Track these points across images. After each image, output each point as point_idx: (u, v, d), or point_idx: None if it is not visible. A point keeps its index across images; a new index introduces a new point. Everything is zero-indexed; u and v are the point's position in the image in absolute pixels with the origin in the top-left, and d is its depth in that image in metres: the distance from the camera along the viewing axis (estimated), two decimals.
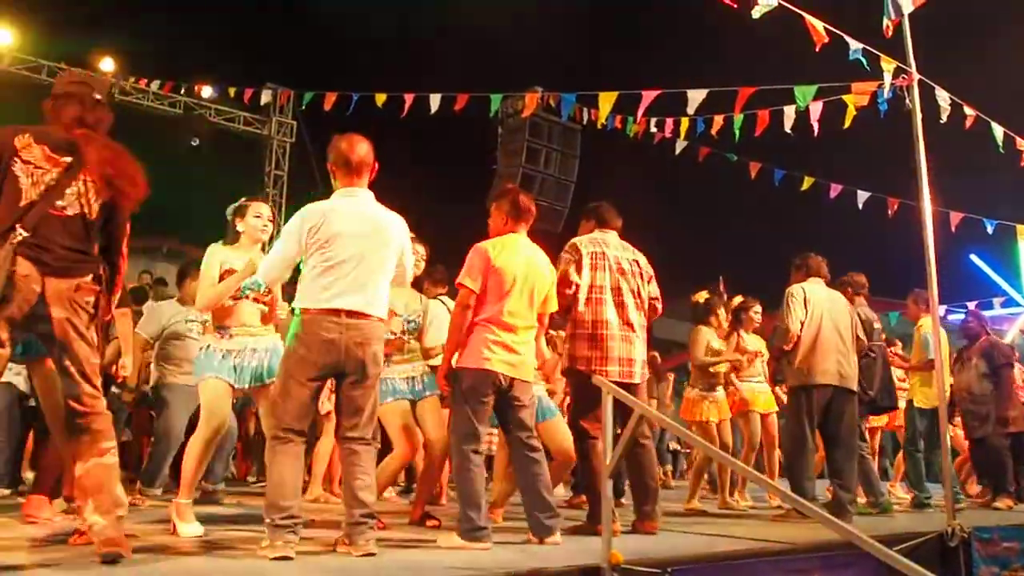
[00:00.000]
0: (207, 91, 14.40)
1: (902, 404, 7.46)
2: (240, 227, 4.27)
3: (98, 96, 3.19)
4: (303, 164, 15.80)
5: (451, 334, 3.98)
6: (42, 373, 3.96)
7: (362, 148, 3.62)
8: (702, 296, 7.32)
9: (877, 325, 6.55)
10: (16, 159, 2.91)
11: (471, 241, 4.14)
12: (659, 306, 4.81)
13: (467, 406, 3.88)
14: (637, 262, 4.75)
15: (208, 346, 4.12)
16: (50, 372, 3.59)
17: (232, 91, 11.10)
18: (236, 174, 15.83)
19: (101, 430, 2.97)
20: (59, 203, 2.94)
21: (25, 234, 2.84)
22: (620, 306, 4.58)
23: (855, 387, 5.71)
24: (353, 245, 3.45)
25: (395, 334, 4.72)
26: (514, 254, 4.05)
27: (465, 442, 3.86)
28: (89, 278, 2.99)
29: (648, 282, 4.76)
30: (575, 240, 4.71)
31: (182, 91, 14.07)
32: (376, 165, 3.68)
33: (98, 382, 3.04)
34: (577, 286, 4.51)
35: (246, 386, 4.08)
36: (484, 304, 3.95)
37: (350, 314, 3.39)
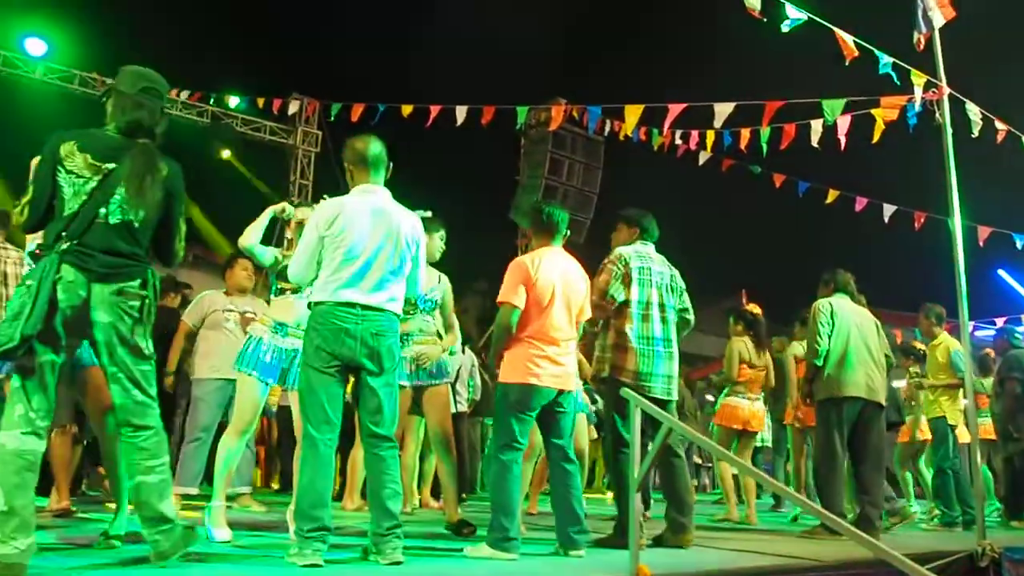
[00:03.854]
0: (234, 100, 14.55)
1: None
2: (288, 234, 4.44)
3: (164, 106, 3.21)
4: (328, 174, 15.91)
5: (496, 351, 4.09)
6: (87, 383, 3.77)
7: (377, 145, 3.66)
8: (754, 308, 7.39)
9: None
10: (60, 168, 2.91)
11: (493, 251, 4.20)
12: (690, 318, 4.82)
13: (513, 418, 3.93)
14: (674, 277, 4.76)
15: (260, 339, 4.19)
16: (94, 381, 3.59)
17: (261, 101, 11.21)
18: (261, 183, 16.00)
19: (148, 448, 2.94)
20: (102, 211, 2.93)
21: (69, 243, 2.85)
22: (663, 322, 4.60)
23: (883, 401, 5.66)
24: (368, 240, 3.46)
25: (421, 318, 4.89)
26: (551, 267, 4.09)
27: (505, 452, 3.90)
28: (136, 283, 2.97)
29: (680, 296, 4.78)
30: (622, 252, 4.63)
31: (211, 100, 14.21)
32: (391, 164, 3.72)
33: (152, 390, 3.02)
34: (613, 301, 4.49)
35: (292, 387, 4.12)
36: (527, 319, 4.00)
37: (365, 307, 3.42)
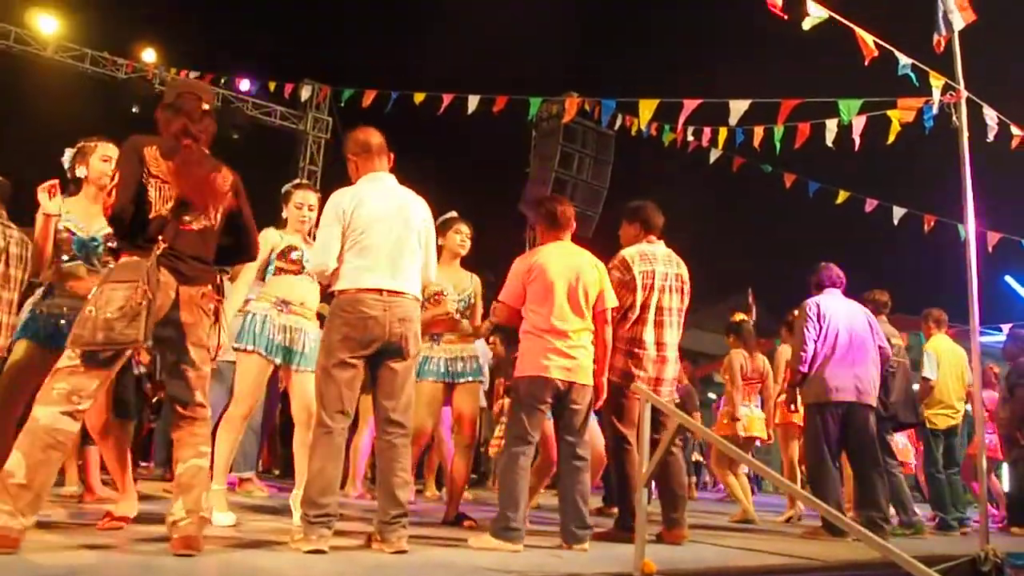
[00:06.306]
0: (245, 84, 14.53)
1: None
2: (284, 214, 4.41)
3: (206, 106, 3.26)
4: (337, 160, 15.88)
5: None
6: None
7: (378, 135, 3.72)
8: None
9: (896, 341, 6.39)
10: (146, 171, 2.98)
11: (501, 242, 4.20)
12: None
13: (523, 411, 3.94)
14: (680, 276, 4.73)
15: (265, 316, 4.20)
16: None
17: (272, 85, 11.20)
18: (270, 168, 15.98)
19: (202, 433, 3.09)
20: (186, 218, 3.04)
21: (163, 247, 2.94)
22: (659, 325, 4.60)
23: (873, 401, 5.58)
24: (386, 227, 3.51)
25: (450, 314, 4.76)
26: (552, 261, 4.08)
27: (515, 444, 3.91)
28: (210, 287, 3.12)
29: (683, 296, 4.74)
30: (626, 255, 4.64)
31: (222, 83, 14.19)
32: (392, 154, 3.74)
33: (207, 391, 3.15)
34: (620, 307, 4.46)
35: (296, 366, 4.16)
36: (534, 315, 4.02)
37: (390, 292, 3.44)
